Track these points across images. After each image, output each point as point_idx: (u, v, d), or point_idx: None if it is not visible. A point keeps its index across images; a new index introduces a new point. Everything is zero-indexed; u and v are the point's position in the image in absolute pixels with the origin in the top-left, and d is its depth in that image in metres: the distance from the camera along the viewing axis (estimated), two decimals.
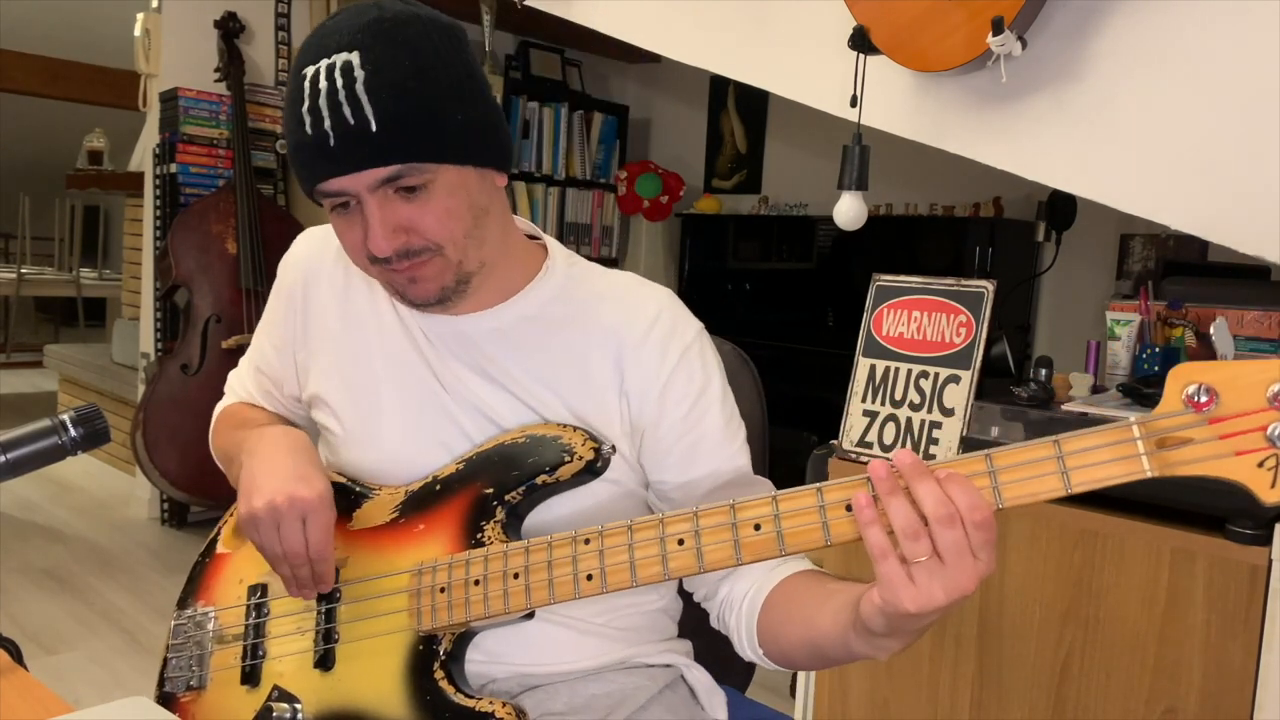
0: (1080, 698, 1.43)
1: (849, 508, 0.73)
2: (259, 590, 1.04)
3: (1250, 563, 1.27)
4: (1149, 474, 0.68)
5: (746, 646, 0.96)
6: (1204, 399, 0.67)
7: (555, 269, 1.02)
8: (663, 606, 1.07)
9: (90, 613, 2.87)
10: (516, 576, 0.87)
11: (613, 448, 0.93)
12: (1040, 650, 1.46)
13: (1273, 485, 0.65)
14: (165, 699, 1.05)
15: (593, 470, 0.91)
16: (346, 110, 0.83)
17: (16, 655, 0.89)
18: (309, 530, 0.92)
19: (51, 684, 0.88)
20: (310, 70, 0.85)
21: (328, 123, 0.83)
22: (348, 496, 1.01)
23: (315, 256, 1.09)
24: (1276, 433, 0.65)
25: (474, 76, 0.91)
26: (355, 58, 0.84)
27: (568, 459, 0.91)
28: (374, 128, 0.83)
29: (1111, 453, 0.69)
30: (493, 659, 0.98)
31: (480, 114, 0.90)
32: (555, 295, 1.01)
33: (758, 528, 0.78)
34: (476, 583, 0.89)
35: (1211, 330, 0.72)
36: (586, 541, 0.84)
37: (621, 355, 0.98)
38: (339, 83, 0.83)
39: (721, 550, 0.79)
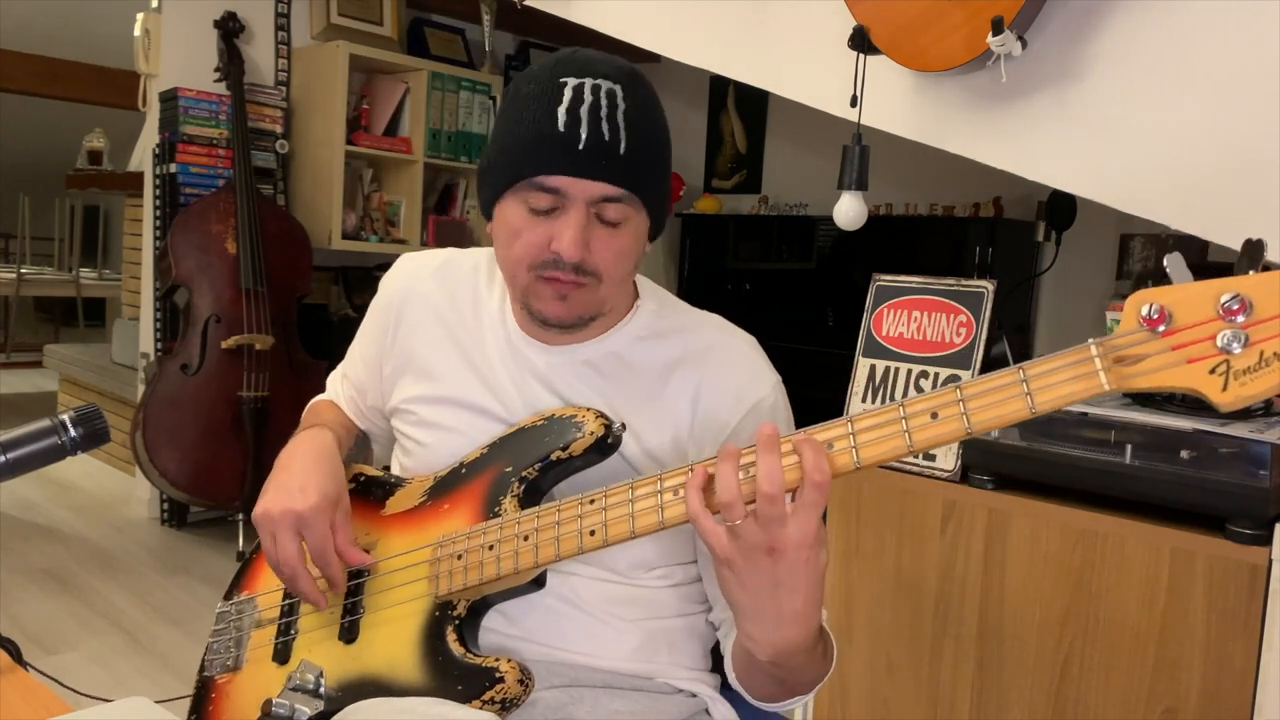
0: (1080, 698, 1.43)
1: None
2: None
3: (1250, 563, 1.27)
4: (1106, 388, 0.71)
5: (730, 669, 0.98)
6: (1157, 316, 0.69)
7: (644, 309, 1.07)
8: (700, 631, 1.08)
9: (90, 613, 2.86)
10: (526, 539, 0.92)
11: (623, 425, 0.96)
12: (1040, 650, 1.46)
13: (1224, 389, 0.67)
14: (204, 683, 1.11)
15: (602, 447, 0.95)
16: (605, 126, 0.91)
17: (16, 655, 0.90)
18: (308, 541, 0.99)
19: (51, 684, 0.88)
20: (573, 81, 0.93)
21: (584, 128, 0.91)
22: (382, 487, 1.09)
23: (416, 277, 1.14)
24: (1226, 340, 0.67)
25: (670, 159, 1.02)
26: (620, 90, 0.93)
27: (579, 435, 0.95)
28: (621, 150, 0.92)
29: (1071, 372, 0.72)
30: (528, 637, 1.01)
31: (669, 188, 1.02)
32: (641, 334, 1.05)
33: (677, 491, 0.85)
34: (490, 547, 0.94)
35: (1166, 263, 0.74)
36: (591, 502, 0.89)
37: (697, 398, 1.02)
38: (604, 102, 0.92)
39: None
